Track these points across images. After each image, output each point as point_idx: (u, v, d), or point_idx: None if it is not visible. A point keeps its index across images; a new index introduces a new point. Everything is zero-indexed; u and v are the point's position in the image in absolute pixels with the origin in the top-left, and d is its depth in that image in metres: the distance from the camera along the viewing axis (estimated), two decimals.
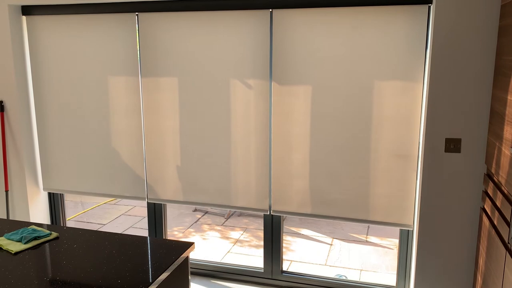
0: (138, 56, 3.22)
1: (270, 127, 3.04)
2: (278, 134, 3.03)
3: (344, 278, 3.57)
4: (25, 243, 2.03)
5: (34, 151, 3.61)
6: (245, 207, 3.21)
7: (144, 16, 3.14)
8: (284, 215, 3.18)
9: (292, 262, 4.19)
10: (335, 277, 3.50)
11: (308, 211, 3.08)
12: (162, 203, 3.46)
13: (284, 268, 3.41)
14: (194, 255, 4.06)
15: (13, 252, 1.96)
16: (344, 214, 3.02)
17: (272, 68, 2.97)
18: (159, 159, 3.34)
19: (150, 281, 1.73)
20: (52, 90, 3.49)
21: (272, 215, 3.24)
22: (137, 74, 3.24)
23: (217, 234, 4.93)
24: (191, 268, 3.51)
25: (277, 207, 3.15)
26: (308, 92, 2.92)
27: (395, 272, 3.09)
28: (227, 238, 4.81)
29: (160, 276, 1.78)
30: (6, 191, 3.57)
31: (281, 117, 3.00)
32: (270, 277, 3.32)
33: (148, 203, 3.48)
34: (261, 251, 4.38)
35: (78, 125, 3.48)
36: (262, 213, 3.24)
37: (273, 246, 3.29)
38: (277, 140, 3.05)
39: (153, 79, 3.22)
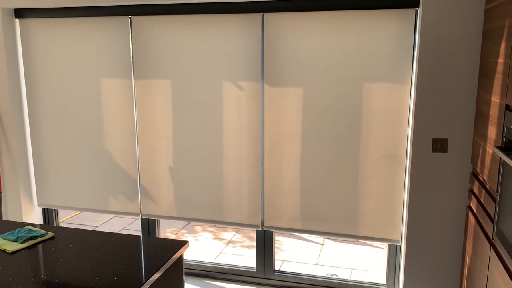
0: (131, 59, 3.26)
1: (262, 142, 3.09)
2: (269, 150, 3.09)
3: (335, 277, 3.63)
4: (21, 243, 2.06)
5: (27, 156, 3.63)
6: (238, 222, 3.27)
7: (137, 19, 3.19)
8: (276, 231, 3.26)
9: (284, 262, 4.24)
10: (327, 275, 3.56)
11: (299, 227, 3.15)
12: (156, 218, 3.50)
13: (276, 268, 3.46)
14: (187, 255, 4.10)
15: (9, 252, 1.99)
16: (334, 230, 3.09)
17: (264, 70, 3.02)
18: (153, 175, 3.39)
19: (146, 278, 1.78)
20: (45, 93, 3.51)
21: (264, 230, 3.30)
22: (130, 77, 3.28)
23: (210, 235, 4.97)
24: (184, 268, 3.54)
25: (269, 222, 3.21)
26: (299, 93, 2.98)
27: (385, 270, 3.16)
28: (220, 239, 4.85)
29: (155, 274, 1.83)
30: None
31: (272, 124, 3.06)
32: (262, 276, 3.37)
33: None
34: (253, 251, 4.42)
35: (72, 133, 3.51)
36: (254, 229, 3.30)
37: (265, 247, 3.34)
38: (269, 155, 3.10)
39: (146, 81, 3.26)
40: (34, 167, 3.67)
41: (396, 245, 3.05)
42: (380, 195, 2.95)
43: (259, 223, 3.23)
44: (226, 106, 3.13)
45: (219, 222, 3.31)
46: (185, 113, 3.22)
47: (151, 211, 3.44)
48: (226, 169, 3.21)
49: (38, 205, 3.72)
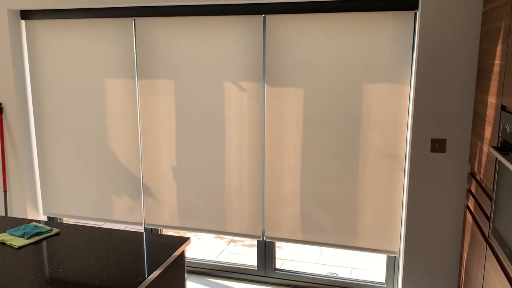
0: (135, 59, 3.31)
1: (263, 150, 3.14)
2: (271, 156, 3.13)
3: (335, 275, 3.67)
4: (27, 239, 2.11)
5: (32, 156, 3.68)
6: (239, 233, 3.33)
7: (141, 21, 3.24)
8: (277, 241, 3.31)
9: (285, 261, 4.28)
10: (327, 274, 3.59)
11: (299, 238, 3.21)
12: (159, 228, 3.56)
13: (277, 267, 3.50)
14: (190, 254, 4.14)
15: (16, 247, 2.04)
16: (333, 241, 3.15)
17: (265, 72, 3.07)
18: (156, 186, 3.44)
19: (148, 273, 1.82)
20: (50, 93, 3.57)
21: (265, 241, 3.35)
22: (133, 77, 3.33)
23: (211, 234, 5.00)
24: (187, 266, 3.59)
25: (270, 233, 3.26)
26: (300, 94, 3.02)
27: (385, 268, 3.19)
28: (221, 238, 4.89)
29: (158, 268, 1.87)
30: (5, 191, 3.64)
31: (273, 126, 3.10)
32: (263, 274, 3.41)
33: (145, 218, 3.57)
34: (254, 250, 4.46)
35: (76, 136, 3.56)
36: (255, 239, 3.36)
37: (266, 246, 3.38)
38: (270, 161, 3.15)
39: (150, 82, 3.31)
40: (39, 174, 3.72)
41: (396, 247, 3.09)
42: (380, 201, 2.99)
43: (260, 234, 3.28)
44: (228, 108, 3.17)
45: (220, 232, 3.37)
46: (187, 116, 3.27)
47: (154, 220, 3.49)
48: (228, 179, 3.27)
49: (44, 213, 3.78)
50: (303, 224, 3.17)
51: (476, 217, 2.40)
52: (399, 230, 3.01)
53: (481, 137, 2.38)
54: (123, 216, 3.56)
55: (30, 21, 3.51)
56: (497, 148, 1.89)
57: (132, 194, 3.50)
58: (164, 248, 2.04)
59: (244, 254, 4.44)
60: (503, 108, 2.02)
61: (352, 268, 4.10)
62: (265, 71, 3.07)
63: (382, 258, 4.35)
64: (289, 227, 3.21)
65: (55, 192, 3.72)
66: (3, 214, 3.73)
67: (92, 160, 3.56)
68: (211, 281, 3.42)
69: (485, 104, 2.33)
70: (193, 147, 3.31)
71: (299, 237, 3.21)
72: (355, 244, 3.10)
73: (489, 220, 2.12)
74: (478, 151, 2.44)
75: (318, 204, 3.12)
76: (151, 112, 3.35)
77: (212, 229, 3.38)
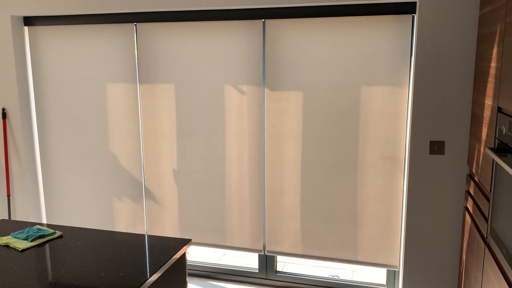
0: (137, 64, 3.35)
1: (264, 158, 3.17)
2: (271, 172, 3.17)
3: (336, 277, 3.68)
4: (31, 241, 2.14)
5: (35, 161, 3.72)
6: (240, 247, 3.36)
7: (142, 26, 3.28)
8: (278, 255, 3.35)
9: (286, 263, 4.29)
10: (328, 276, 3.61)
11: (300, 252, 3.24)
12: None
13: (279, 269, 3.52)
14: (191, 257, 4.16)
15: (20, 250, 2.07)
16: (334, 255, 3.18)
17: (265, 75, 3.10)
18: (158, 201, 3.48)
19: (150, 274, 1.85)
20: (52, 98, 3.61)
21: (266, 255, 3.38)
22: (135, 82, 3.37)
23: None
24: (188, 269, 3.61)
25: (271, 247, 3.29)
26: (299, 97, 3.05)
27: (385, 270, 3.21)
28: None
29: (160, 270, 1.90)
30: (8, 195, 3.67)
31: (273, 127, 3.13)
32: (265, 277, 3.43)
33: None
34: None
35: (79, 140, 3.59)
36: (257, 253, 3.39)
37: None
38: (271, 182, 3.19)
39: (151, 86, 3.35)
40: (42, 179, 3.75)
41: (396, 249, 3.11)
42: (380, 209, 3.01)
43: (261, 248, 3.31)
44: (228, 112, 3.21)
45: (222, 246, 3.40)
46: (188, 121, 3.30)
47: (157, 233, 3.52)
48: (229, 195, 3.31)
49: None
50: (303, 238, 3.20)
51: (475, 218, 2.42)
52: (399, 237, 3.03)
53: (478, 138, 2.41)
54: (125, 229, 3.59)
55: (33, 28, 3.55)
56: (493, 149, 1.91)
57: (135, 203, 3.53)
58: (165, 250, 2.07)
59: (246, 257, 4.46)
60: (499, 109, 2.04)
61: (353, 271, 4.12)
62: (265, 74, 3.10)
63: None
64: (290, 241, 3.24)
65: (59, 202, 3.75)
66: (7, 218, 3.77)
67: (95, 165, 3.59)
68: (213, 283, 3.44)
69: (482, 106, 2.36)
70: (194, 153, 3.33)
71: (300, 251, 3.23)
72: (355, 258, 3.14)
73: (486, 221, 2.14)
74: (476, 152, 2.46)
75: (318, 218, 3.14)
76: (153, 116, 3.38)
77: (214, 243, 3.42)
